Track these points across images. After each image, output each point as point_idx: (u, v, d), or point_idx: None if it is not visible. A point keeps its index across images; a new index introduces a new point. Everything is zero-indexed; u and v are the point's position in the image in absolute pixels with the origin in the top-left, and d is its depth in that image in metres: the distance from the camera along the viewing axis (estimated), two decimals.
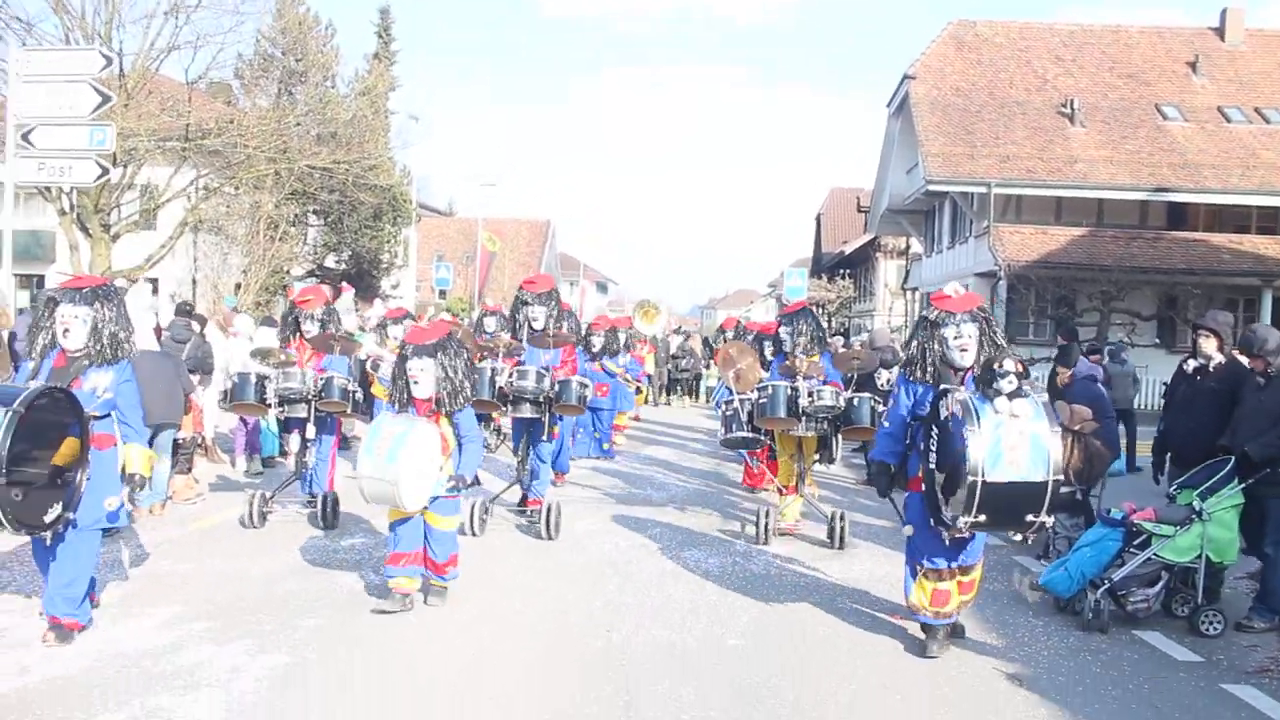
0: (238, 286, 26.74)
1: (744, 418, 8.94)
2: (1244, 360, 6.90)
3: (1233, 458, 6.57)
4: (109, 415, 5.73)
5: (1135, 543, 6.58)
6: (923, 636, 5.95)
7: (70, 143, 11.34)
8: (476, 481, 6.37)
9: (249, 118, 23.14)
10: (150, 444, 8.76)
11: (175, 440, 9.38)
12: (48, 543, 5.46)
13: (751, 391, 8.89)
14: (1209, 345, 7.10)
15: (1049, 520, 5.44)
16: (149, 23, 21.52)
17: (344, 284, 17.62)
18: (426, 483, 6.01)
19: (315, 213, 29.08)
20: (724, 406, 9.37)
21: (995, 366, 5.46)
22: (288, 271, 28.07)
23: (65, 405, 5.35)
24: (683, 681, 5.27)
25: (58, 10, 20.33)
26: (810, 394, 8.52)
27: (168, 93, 23.19)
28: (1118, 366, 13.91)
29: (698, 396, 25.29)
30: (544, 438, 8.96)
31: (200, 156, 23.24)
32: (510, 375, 8.61)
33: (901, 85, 30.28)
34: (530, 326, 8.99)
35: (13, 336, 9.55)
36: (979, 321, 5.88)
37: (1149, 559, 6.54)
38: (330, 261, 30.63)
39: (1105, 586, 6.49)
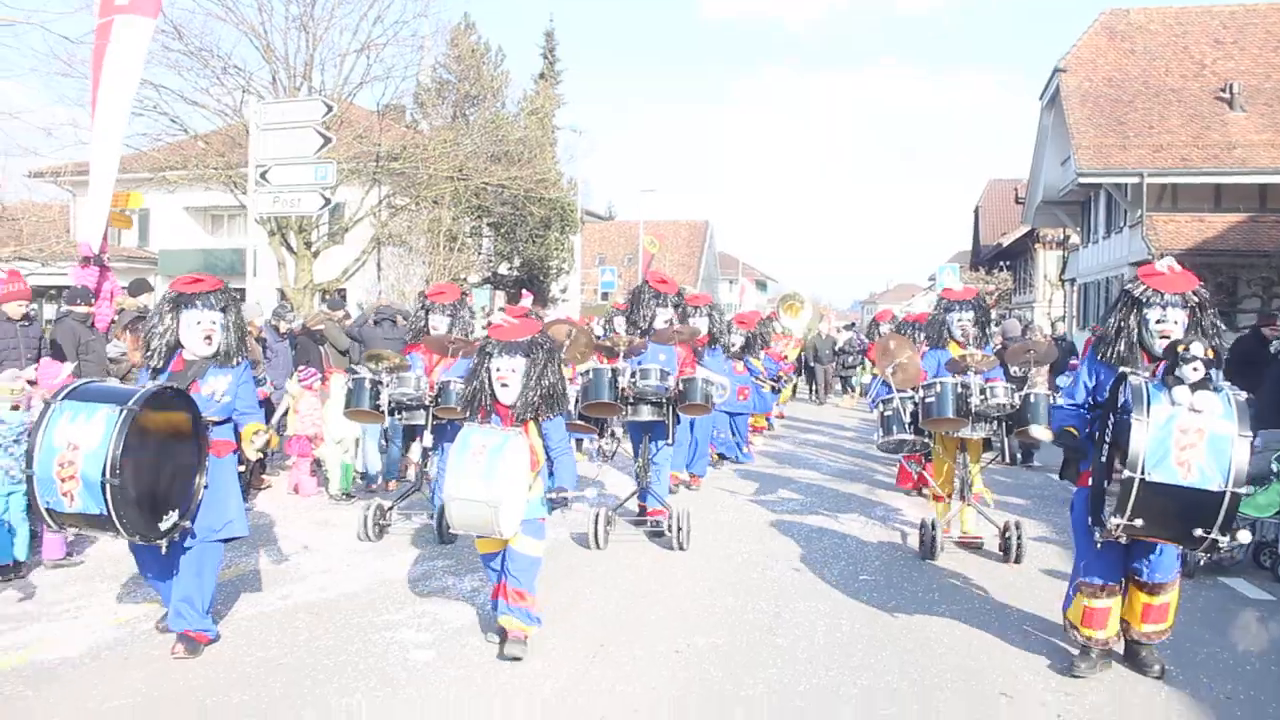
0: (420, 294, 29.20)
1: (905, 418, 8.07)
2: None
3: None
4: (228, 420, 5.63)
5: None
6: (1074, 652, 5.48)
7: (298, 179, 13.36)
8: (566, 503, 5.62)
9: (430, 141, 25.37)
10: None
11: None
12: (164, 551, 5.28)
13: (914, 389, 8.06)
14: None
15: (1223, 540, 4.64)
16: (342, 61, 24.09)
17: (524, 290, 19.45)
18: (521, 504, 5.34)
19: (489, 225, 31.30)
20: (881, 405, 8.41)
21: (1180, 349, 4.78)
22: (465, 279, 30.35)
23: (182, 407, 5.29)
24: (821, 602, 6.66)
25: (267, 58, 22.97)
26: (982, 391, 7.67)
27: (358, 120, 25.70)
28: None
29: (854, 392, 24.88)
30: (666, 441, 8.47)
31: (387, 177, 25.69)
32: (632, 375, 8.08)
33: (1053, 78, 30.40)
34: (654, 326, 8.51)
35: (262, 343, 11.52)
36: (1190, 308, 5.19)
37: None
38: (503, 269, 32.86)
39: None
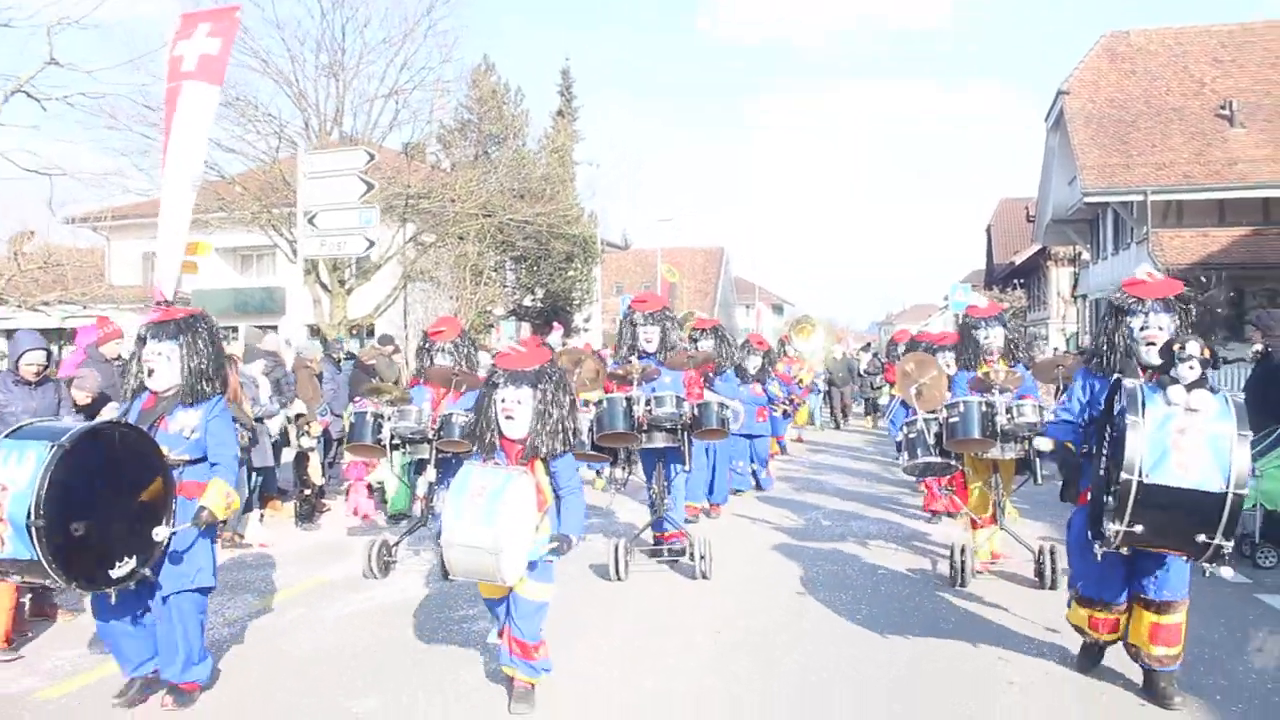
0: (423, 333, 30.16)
1: (930, 440, 7.78)
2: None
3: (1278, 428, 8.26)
4: (202, 460, 5.22)
5: None
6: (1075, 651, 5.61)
7: (343, 223, 14.29)
8: (567, 551, 5.25)
9: (457, 180, 26.41)
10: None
11: None
12: (113, 600, 4.95)
13: (939, 410, 7.83)
14: (1254, 336, 8.71)
15: (1227, 545, 4.50)
16: (370, 105, 25.20)
17: (553, 324, 20.35)
18: (525, 548, 5.03)
19: (513, 259, 32.31)
20: (905, 428, 8.13)
21: (1175, 348, 4.77)
22: (490, 312, 31.32)
23: (142, 447, 4.93)
24: (843, 593, 7.52)
25: (299, 105, 24.09)
26: (1009, 410, 7.36)
27: (386, 163, 26.77)
28: None
29: (876, 414, 24.38)
30: (683, 468, 8.44)
31: (416, 216, 26.72)
32: (648, 403, 7.96)
33: (1057, 100, 31.29)
34: (644, 349, 8.48)
35: (320, 377, 12.40)
36: (1174, 312, 5.23)
37: None
38: (527, 301, 33.84)
39: None
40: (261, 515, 10.70)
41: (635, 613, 7.18)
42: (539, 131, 32.58)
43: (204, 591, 5.30)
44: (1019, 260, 47.25)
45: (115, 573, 4.74)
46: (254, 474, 10.35)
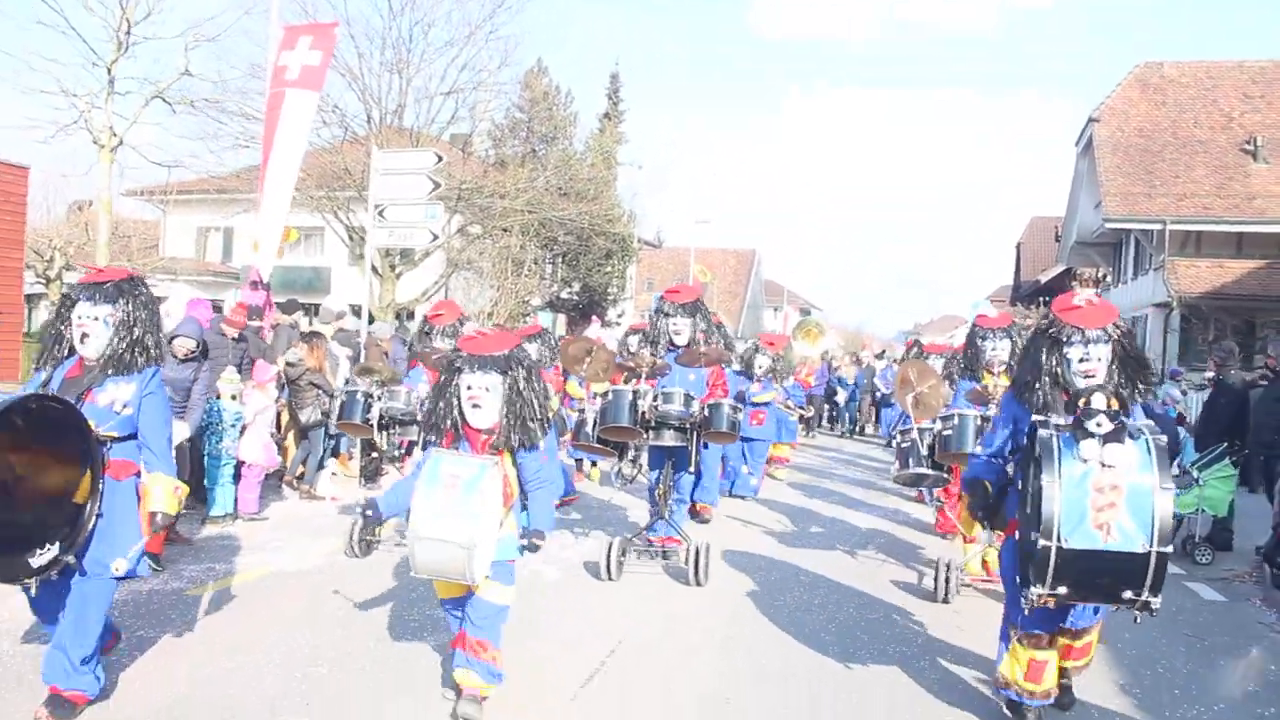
0: (489, 315, 31.76)
1: (923, 450, 7.69)
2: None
3: (1224, 444, 9.54)
4: (131, 437, 4.74)
5: None
6: (1008, 715, 5.11)
7: (411, 217, 15.69)
8: (538, 548, 4.88)
9: (509, 178, 27.93)
10: None
11: None
12: (33, 592, 4.48)
13: (933, 421, 7.75)
14: (1209, 364, 9.99)
15: (1155, 601, 4.35)
16: (430, 102, 26.76)
17: (593, 316, 21.78)
18: (493, 545, 4.70)
19: (555, 254, 33.83)
20: (899, 437, 8.08)
21: (1081, 403, 4.43)
22: (528, 302, 32.84)
23: (66, 421, 4.38)
24: (819, 601, 8.90)
25: (363, 99, 25.67)
26: None
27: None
28: None
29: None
30: (689, 469, 8.10)
31: (465, 208, 28.28)
32: (655, 398, 7.63)
33: (1087, 127, 32.36)
34: (673, 341, 8.14)
35: (385, 354, 13.84)
36: (1113, 342, 4.77)
37: None
38: (564, 294, 35.38)
39: None
40: (333, 473, 12.17)
41: (623, 613, 7.08)
42: (585, 131, 34.18)
43: (118, 580, 4.77)
44: (1045, 279, 48.14)
45: (36, 561, 4.25)
46: (330, 438, 11.82)
